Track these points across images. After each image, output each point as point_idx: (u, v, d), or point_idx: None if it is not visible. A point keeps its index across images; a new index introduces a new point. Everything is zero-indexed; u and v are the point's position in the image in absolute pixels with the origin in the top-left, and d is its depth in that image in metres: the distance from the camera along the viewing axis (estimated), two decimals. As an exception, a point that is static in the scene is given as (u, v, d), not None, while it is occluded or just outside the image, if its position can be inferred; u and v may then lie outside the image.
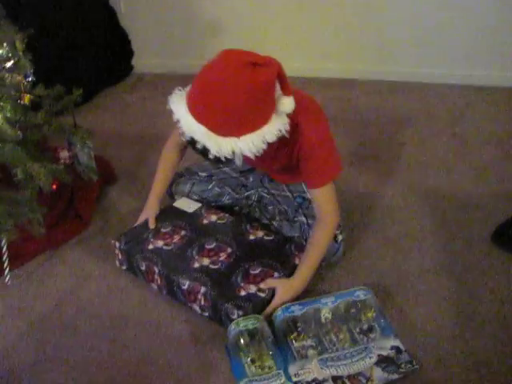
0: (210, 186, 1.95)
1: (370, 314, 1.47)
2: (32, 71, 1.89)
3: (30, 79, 1.89)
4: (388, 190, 2.13)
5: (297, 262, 1.63)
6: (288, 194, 1.86)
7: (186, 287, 1.55)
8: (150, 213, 1.82)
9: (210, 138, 1.36)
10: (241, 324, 1.41)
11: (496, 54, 2.98)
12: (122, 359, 1.46)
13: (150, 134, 2.65)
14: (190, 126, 1.37)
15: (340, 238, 1.71)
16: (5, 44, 1.81)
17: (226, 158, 1.40)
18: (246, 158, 1.54)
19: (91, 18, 3.08)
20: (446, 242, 1.83)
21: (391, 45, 3.09)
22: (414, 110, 2.81)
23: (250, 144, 1.37)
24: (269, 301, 1.51)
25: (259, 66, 1.32)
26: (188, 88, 1.43)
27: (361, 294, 1.52)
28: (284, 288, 1.53)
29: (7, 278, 1.72)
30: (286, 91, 1.41)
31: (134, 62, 3.45)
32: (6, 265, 1.70)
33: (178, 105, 1.41)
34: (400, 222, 1.94)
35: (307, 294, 1.58)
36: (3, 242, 1.67)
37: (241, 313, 1.44)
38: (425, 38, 3.02)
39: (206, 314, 1.54)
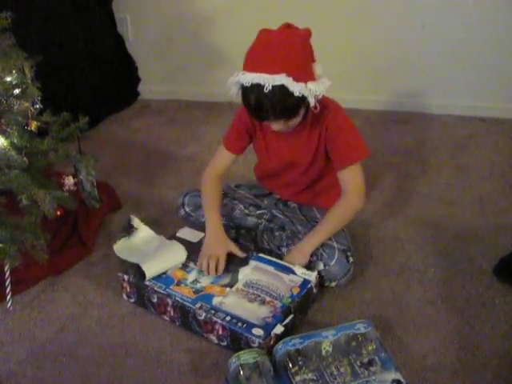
0: (224, 202, 1.98)
1: (370, 347, 1.47)
2: (39, 98, 1.92)
3: (38, 106, 1.92)
4: (390, 220, 2.13)
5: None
6: (302, 217, 1.91)
7: (202, 318, 1.55)
8: (223, 250, 1.77)
9: (289, 81, 1.51)
10: (241, 357, 1.40)
11: (500, 85, 2.99)
12: (122, 388, 1.46)
13: (155, 160, 2.67)
14: (261, 76, 1.52)
15: (351, 259, 1.74)
16: (13, 71, 1.84)
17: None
18: (265, 175, 1.94)
19: (100, 45, 3.13)
20: (448, 274, 1.83)
21: (395, 74, 3.12)
22: (417, 140, 2.82)
23: (317, 87, 1.57)
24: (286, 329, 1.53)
25: (296, 28, 1.59)
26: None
27: (361, 327, 1.51)
28: (294, 257, 1.73)
29: (9, 304, 1.72)
30: (314, 58, 1.64)
31: (140, 88, 3.50)
32: (8, 290, 1.71)
33: (239, 74, 1.59)
34: (402, 253, 1.94)
35: (308, 326, 1.58)
36: (6, 267, 1.68)
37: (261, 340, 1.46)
38: (429, 69, 3.05)
39: (224, 343, 1.54)
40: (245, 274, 1.72)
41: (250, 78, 1.54)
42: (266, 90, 1.51)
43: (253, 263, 1.76)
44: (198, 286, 1.68)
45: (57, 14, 2.82)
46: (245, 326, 1.51)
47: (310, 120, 1.74)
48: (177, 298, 1.61)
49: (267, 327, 1.50)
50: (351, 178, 1.75)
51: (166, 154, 2.70)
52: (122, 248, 1.91)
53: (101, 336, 1.62)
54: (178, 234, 1.89)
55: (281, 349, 1.45)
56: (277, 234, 1.90)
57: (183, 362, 1.52)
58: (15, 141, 1.78)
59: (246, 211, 1.99)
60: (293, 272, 1.70)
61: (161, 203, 2.27)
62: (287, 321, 1.53)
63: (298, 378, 1.39)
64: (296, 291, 1.64)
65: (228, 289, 1.66)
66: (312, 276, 1.68)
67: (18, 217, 1.74)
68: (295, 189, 1.94)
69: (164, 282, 1.69)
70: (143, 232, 1.96)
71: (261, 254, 1.80)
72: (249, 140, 1.89)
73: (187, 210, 2.02)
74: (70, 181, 2.00)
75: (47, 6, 2.75)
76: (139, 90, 3.48)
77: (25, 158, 1.73)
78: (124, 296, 1.75)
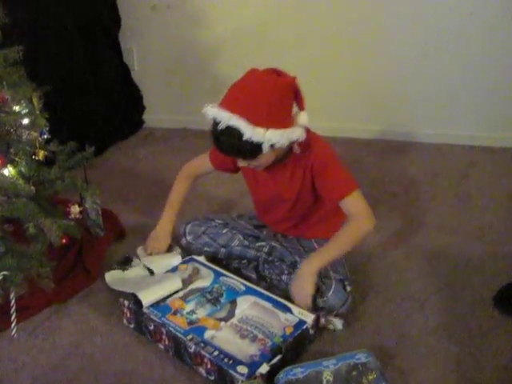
0: (224, 231, 2.02)
1: (371, 377, 1.47)
2: (47, 128, 1.96)
3: (46, 136, 1.95)
4: (391, 250, 2.15)
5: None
6: (300, 247, 1.93)
7: (192, 350, 1.56)
8: (160, 240, 2.02)
9: (245, 125, 1.55)
10: None
11: (501, 115, 3.03)
12: (124, 417, 1.47)
13: (159, 189, 2.69)
14: (224, 115, 1.57)
15: (348, 288, 1.76)
16: (22, 101, 1.88)
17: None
18: (259, 208, 1.98)
19: (106, 75, 3.19)
20: (449, 303, 1.84)
21: (397, 105, 3.17)
22: (419, 169, 2.85)
23: (277, 135, 1.58)
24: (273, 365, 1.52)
25: (281, 75, 1.63)
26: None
27: (362, 357, 1.52)
28: (295, 291, 1.72)
29: (13, 331, 1.73)
30: (302, 106, 1.67)
31: (144, 116, 3.55)
32: (13, 318, 1.72)
33: (213, 108, 1.63)
34: (403, 282, 1.96)
35: (309, 356, 1.59)
36: (12, 295, 1.70)
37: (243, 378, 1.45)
38: (431, 99, 3.10)
39: (212, 377, 1.54)
40: (242, 308, 1.72)
41: (211, 112, 1.62)
42: (220, 128, 1.57)
43: (252, 298, 1.76)
44: (194, 317, 1.69)
45: (65, 45, 2.88)
46: (231, 362, 1.51)
47: (292, 159, 1.77)
48: (170, 328, 1.63)
49: (253, 365, 1.50)
50: (354, 204, 1.75)
51: (170, 182, 2.69)
52: (113, 279, 1.94)
53: (104, 364, 1.64)
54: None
55: (282, 378, 1.46)
56: (277, 263, 1.92)
57: (186, 391, 1.53)
58: (23, 170, 1.82)
59: (246, 242, 2.01)
60: (290, 311, 1.70)
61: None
62: (274, 361, 1.51)
63: (299, 408, 1.40)
64: (289, 331, 1.62)
65: (223, 323, 1.66)
66: (309, 317, 1.66)
67: (25, 245, 1.76)
68: (287, 224, 1.97)
69: (161, 310, 1.71)
70: (138, 270, 1.97)
71: (261, 290, 1.81)
72: (232, 168, 1.93)
73: (188, 238, 2.05)
74: (75, 209, 2.01)
75: (55, 37, 2.81)
76: (144, 119, 3.54)
77: (32, 187, 1.77)
78: (124, 321, 1.77)
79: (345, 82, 3.17)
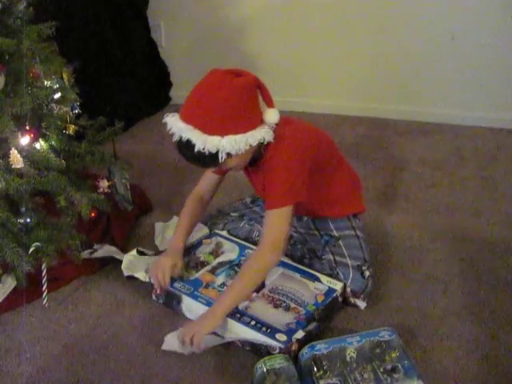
0: (241, 224, 2.01)
1: (394, 355, 1.49)
2: (78, 103, 1.99)
3: (76, 111, 1.98)
4: (416, 231, 2.15)
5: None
6: (315, 232, 1.91)
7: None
8: (167, 263, 1.76)
9: (197, 135, 1.51)
10: (267, 363, 1.43)
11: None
12: (151, 386, 1.51)
13: (184, 164, 2.67)
14: (178, 126, 1.55)
15: (367, 273, 1.76)
16: (53, 77, 1.91)
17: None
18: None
19: (134, 51, 3.21)
20: (472, 285, 1.84)
21: (424, 86, 3.14)
22: (444, 151, 2.83)
23: (232, 143, 1.51)
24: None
25: (239, 76, 1.55)
26: None
27: (385, 335, 1.54)
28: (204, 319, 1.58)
29: (45, 301, 1.78)
30: (270, 104, 1.60)
31: (171, 93, 3.56)
32: (44, 288, 1.77)
33: (172, 117, 1.60)
34: (427, 263, 1.96)
35: (333, 332, 1.61)
36: (43, 265, 1.74)
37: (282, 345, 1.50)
38: (458, 81, 3.07)
39: (248, 348, 1.58)
40: (272, 279, 1.75)
41: (170, 123, 1.59)
42: (173, 139, 1.57)
43: (280, 269, 1.79)
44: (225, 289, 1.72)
45: (94, 21, 2.91)
46: (269, 331, 1.55)
47: (264, 162, 1.69)
48: (203, 301, 1.67)
49: (290, 333, 1.54)
50: (271, 224, 1.65)
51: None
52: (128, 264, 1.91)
53: (132, 335, 1.68)
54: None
55: (306, 353, 1.48)
56: (299, 246, 1.93)
57: (211, 364, 1.56)
58: (54, 144, 1.86)
59: None
60: (318, 280, 1.74)
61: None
62: (310, 328, 1.57)
63: (322, 383, 1.42)
64: (321, 299, 1.67)
65: (255, 294, 1.69)
66: (338, 285, 1.71)
67: (55, 217, 1.81)
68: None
69: (193, 284, 1.74)
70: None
71: (287, 260, 1.83)
72: None
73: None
74: (104, 183, 2.04)
75: (85, 13, 2.84)
76: (171, 95, 3.55)
77: (63, 161, 1.81)
78: (153, 297, 1.80)
79: (372, 62, 3.15)
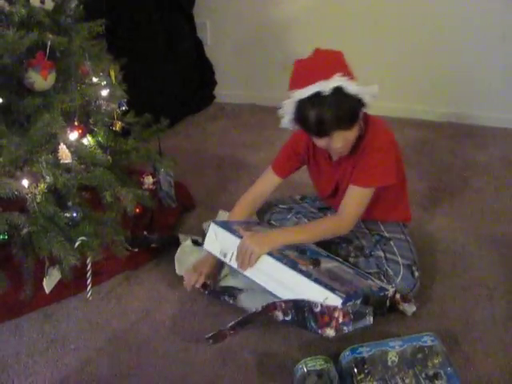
0: (289, 216, 2.01)
1: (436, 361, 1.47)
2: (125, 100, 2.02)
3: (124, 108, 2.01)
4: (460, 235, 2.11)
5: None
6: (365, 230, 1.90)
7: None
8: (204, 267, 1.78)
9: (346, 81, 1.54)
10: (308, 364, 1.43)
11: None
12: (191, 382, 1.52)
13: (228, 163, 2.74)
14: (324, 83, 1.52)
15: (417, 274, 1.74)
16: (101, 73, 1.94)
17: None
18: (323, 195, 1.86)
19: (180, 49, 3.24)
20: (519, 293, 1.80)
21: (473, 88, 3.07)
22: (491, 155, 2.77)
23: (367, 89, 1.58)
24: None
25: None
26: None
27: (428, 340, 1.51)
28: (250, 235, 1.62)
29: (89, 294, 1.82)
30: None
31: (215, 91, 3.59)
32: (89, 281, 1.80)
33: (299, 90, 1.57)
34: (471, 269, 1.92)
35: (375, 336, 1.60)
36: (88, 259, 1.77)
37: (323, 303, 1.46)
38: (507, 83, 3.00)
39: (289, 317, 1.52)
40: (327, 265, 1.70)
41: (305, 90, 1.54)
42: (325, 94, 1.52)
43: (335, 262, 1.76)
44: (285, 253, 1.65)
45: (141, 19, 2.94)
46: (329, 287, 1.49)
47: (355, 154, 1.71)
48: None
49: (348, 296, 1.48)
50: (352, 199, 1.70)
51: (240, 157, 2.76)
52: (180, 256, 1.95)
53: (173, 331, 1.69)
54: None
55: (348, 355, 1.47)
56: (344, 245, 1.91)
57: (250, 362, 1.56)
58: (101, 140, 1.90)
59: None
60: (371, 279, 1.71)
61: (233, 206, 2.31)
62: (363, 305, 1.50)
63: (363, 386, 1.42)
64: (375, 288, 1.64)
65: (311, 266, 1.62)
66: (389, 287, 1.67)
67: (101, 212, 1.84)
68: None
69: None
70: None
71: (340, 259, 1.81)
72: (297, 165, 1.89)
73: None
74: (149, 180, 2.08)
75: (133, 11, 2.87)
76: (215, 94, 3.58)
77: (109, 157, 1.83)
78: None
79: (419, 62, 3.10)
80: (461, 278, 1.88)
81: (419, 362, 1.47)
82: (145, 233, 2.04)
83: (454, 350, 1.58)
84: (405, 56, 3.11)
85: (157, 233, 2.06)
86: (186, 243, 1.97)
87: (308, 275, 1.53)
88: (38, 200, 1.62)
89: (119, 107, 1.99)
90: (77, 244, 1.68)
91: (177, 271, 1.89)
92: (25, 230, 1.62)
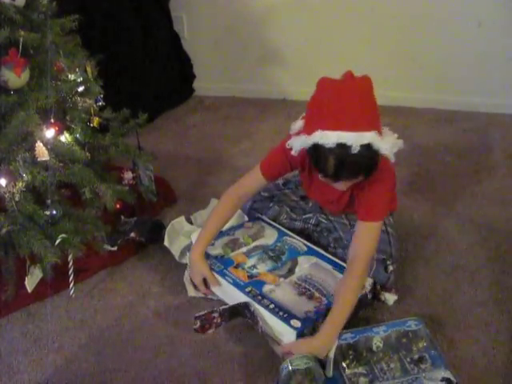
0: (270, 205, 2.01)
1: (421, 345, 1.49)
2: (102, 96, 2.00)
3: (100, 103, 2.00)
4: (442, 220, 2.13)
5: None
6: (345, 221, 1.90)
7: (252, 309, 1.59)
8: (201, 272, 1.74)
9: (374, 137, 1.43)
10: (293, 363, 1.40)
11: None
12: (177, 375, 1.52)
13: (209, 156, 2.73)
14: (354, 137, 1.41)
15: (390, 268, 1.74)
16: (77, 70, 1.93)
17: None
18: (310, 195, 1.86)
19: (157, 43, 3.21)
20: (500, 276, 1.82)
21: (450, 73, 3.09)
22: (471, 140, 2.79)
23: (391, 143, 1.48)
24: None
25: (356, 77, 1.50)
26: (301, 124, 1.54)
27: (412, 324, 1.53)
28: (301, 342, 1.49)
29: (72, 291, 1.81)
30: None
31: (195, 85, 3.57)
32: (71, 279, 1.79)
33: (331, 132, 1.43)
34: (453, 253, 1.94)
35: (359, 322, 1.61)
36: (70, 257, 1.76)
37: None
38: (486, 68, 3.01)
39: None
40: (303, 267, 1.76)
41: (333, 138, 1.41)
42: (354, 151, 1.40)
43: (313, 259, 1.79)
44: (254, 271, 1.74)
45: (116, 14, 2.91)
46: (286, 315, 1.54)
47: None
48: (229, 279, 1.69)
49: (306, 321, 1.53)
50: (367, 236, 1.62)
51: (220, 150, 2.76)
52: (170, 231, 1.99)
53: (157, 325, 1.69)
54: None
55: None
56: (325, 234, 1.93)
57: (236, 353, 1.57)
58: (79, 136, 1.88)
59: (293, 215, 2.00)
60: None
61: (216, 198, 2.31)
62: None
63: (348, 372, 1.42)
64: None
65: (282, 279, 1.70)
66: (367, 282, 1.67)
67: (81, 209, 1.83)
68: (333, 209, 1.89)
69: (224, 263, 1.77)
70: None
71: (322, 251, 1.84)
72: (288, 171, 1.81)
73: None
74: (129, 175, 2.07)
75: (108, 6, 2.84)
76: (194, 87, 3.56)
77: (87, 153, 1.82)
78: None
79: (395, 50, 3.11)
80: (443, 262, 1.90)
81: (404, 346, 1.49)
82: (122, 217, 2.05)
83: (438, 333, 1.60)
84: (380, 43, 3.11)
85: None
86: (178, 220, 2.02)
87: (266, 305, 1.58)
88: (17, 199, 1.61)
89: (96, 103, 1.97)
90: (57, 242, 1.66)
91: (165, 243, 1.93)
92: (4, 230, 1.60)
